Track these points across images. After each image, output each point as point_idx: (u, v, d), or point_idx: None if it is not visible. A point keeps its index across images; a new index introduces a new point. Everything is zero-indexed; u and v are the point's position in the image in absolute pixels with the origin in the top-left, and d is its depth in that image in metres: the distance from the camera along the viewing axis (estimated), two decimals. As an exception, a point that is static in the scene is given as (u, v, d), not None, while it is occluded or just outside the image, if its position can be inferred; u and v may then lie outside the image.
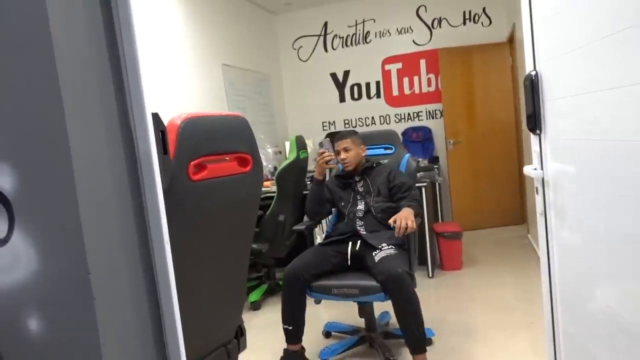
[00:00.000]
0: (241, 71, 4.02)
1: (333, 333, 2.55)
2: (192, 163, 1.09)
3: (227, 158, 1.21)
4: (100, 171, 0.63)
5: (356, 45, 4.71)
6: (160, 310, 0.68)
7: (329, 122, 4.87)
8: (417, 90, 4.62)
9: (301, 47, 4.86)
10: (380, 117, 4.76)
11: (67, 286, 0.60)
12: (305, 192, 2.90)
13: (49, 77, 0.57)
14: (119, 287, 0.64)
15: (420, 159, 3.86)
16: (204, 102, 3.47)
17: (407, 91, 4.67)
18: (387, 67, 4.69)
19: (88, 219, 0.60)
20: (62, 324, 0.61)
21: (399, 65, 4.65)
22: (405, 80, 4.65)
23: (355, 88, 4.78)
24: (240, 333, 1.47)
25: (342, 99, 4.83)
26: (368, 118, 4.77)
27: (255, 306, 3.03)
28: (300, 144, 3.01)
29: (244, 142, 1.26)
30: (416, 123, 4.64)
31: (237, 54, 3.99)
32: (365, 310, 2.23)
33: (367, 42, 4.68)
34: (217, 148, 1.15)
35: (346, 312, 2.65)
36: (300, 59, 4.89)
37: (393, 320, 2.23)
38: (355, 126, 4.79)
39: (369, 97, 4.75)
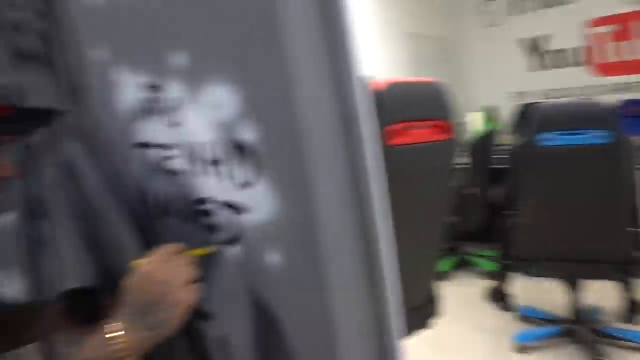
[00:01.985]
0: (424, 39, 3.93)
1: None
2: (392, 127, 1.11)
3: (425, 125, 1.21)
4: (323, 129, 0.68)
5: (552, 7, 4.19)
6: (376, 258, 0.72)
7: (519, 93, 4.47)
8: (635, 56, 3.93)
9: (488, 10, 4.52)
10: (582, 87, 4.21)
11: (299, 227, 0.68)
12: (495, 166, 2.76)
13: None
14: (340, 232, 0.69)
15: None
16: (389, 73, 3.49)
17: (623, 57, 4.00)
18: (593, 30, 4.10)
19: (315, 171, 0.65)
20: (295, 258, 0.69)
21: (610, 28, 4.02)
22: (621, 45, 4.00)
23: (550, 55, 4.28)
24: (431, 300, 1.48)
25: (534, 67, 4.38)
26: (566, 89, 4.25)
27: (443, 277, 3.03)
28: (490, 115, 2.87)
29: (442, 109, 1.24)
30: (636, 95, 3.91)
31: (421, 20, 3.90)
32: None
33: (566, 3, 4.13)
34: (416, 114, 1.15)
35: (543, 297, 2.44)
36: (487, 24, 4.56)
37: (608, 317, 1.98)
38: (550, 98, 4.32)
39: (567, 65, 4.22)
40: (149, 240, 0.97)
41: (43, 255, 0.97)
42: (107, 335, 0.67)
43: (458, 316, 2.32)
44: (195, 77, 0.75)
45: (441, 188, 1.34)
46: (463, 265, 3.08)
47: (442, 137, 1.23)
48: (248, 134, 0.70)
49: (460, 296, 2.60)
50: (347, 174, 0.70)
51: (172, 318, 0.71)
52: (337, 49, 0.67)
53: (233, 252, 0.77)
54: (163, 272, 0.71)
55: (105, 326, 0.69)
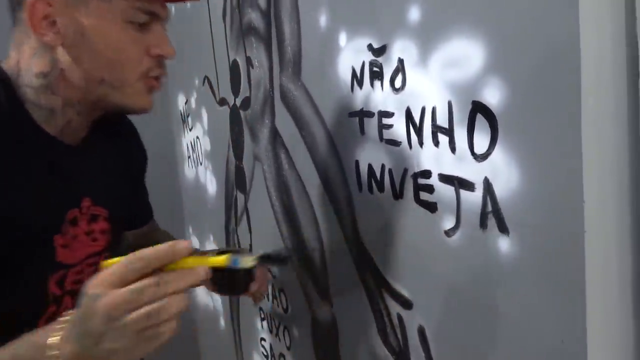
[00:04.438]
0: None
1: None
2: None
3: None
4: (602, 86, 0.52)
5: None
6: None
7: None
8: None
9: None
10: None
11: (554, 213, 0.55)
12: None
13: None
14: (616, 220, 0.54)
15: None
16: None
17: None
18: None
19: (589, 139, 0.51)
20: (535, 248, 0.56)
21: None
22: None
23: None
24: None
25: None
26: None
27: None
28: None
29: None
30: None
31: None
32: None
33: None
34: None
35: None
36: None
37: None
38: None
39: None
40: (340, 215, 0.93)
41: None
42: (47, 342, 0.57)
43: None
44: (427, 33, 0.66)
45: None
46: None
47: None
48: (491, 97, 0.59)
49: None
50: (626, 160, 0.54)
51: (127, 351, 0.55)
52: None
53: (452, 235, 0.68)
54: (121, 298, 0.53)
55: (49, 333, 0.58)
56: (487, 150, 0.60)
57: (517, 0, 0.54)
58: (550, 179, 0.55)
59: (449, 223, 0.68)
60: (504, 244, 0.60)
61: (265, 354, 1.42)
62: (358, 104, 0.82)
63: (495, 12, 0.57)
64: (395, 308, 0.82)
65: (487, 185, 0.61)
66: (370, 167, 0.82)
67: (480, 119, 0.61)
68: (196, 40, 1.57)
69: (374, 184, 0.82)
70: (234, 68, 1.30)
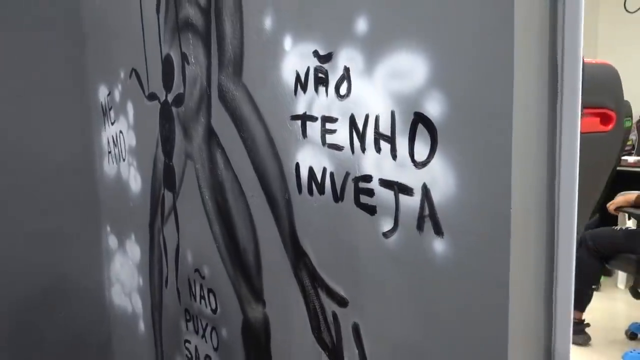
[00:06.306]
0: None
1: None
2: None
3: (588, 113, 1.08)
4: (529, 109, 0.59)
5: None
6: (558, 261, 0.64)
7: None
8: None
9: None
10: None
11: (484, 218, 0.60)
12: (621, 168, 2.49)
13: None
14: (528, 227, 0.61)
15: None
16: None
17: None
18: None
19: (518, 151, 0.57)
20: (467, 248, 0.62)
21: None
22: None
23: None
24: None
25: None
26: None
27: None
28: (624, 111, 2.56)
29: (610, 96, 1.09)
30: None
31: None
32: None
33: None
34: (584, 100, 1.02)
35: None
36: (627, 10, 4.09)
37: None
38: None
39: None
40: (278, 216, 0.95)
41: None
42: None
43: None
44: (374, 44, 0.70)
45: (596, 184, 1.20)
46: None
47: (606, 127, 1.09)
48: (432, 109, 0.63)
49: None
50: (546, 164, 0.62)
51: None
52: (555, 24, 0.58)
53: (390, 237, 0.72)
54: None
55: None
56: (427, 159, 0.65)
57: (459, 21, 0.59)
58: (483, 187, 0.60)
59: (387, 225, 0.72)
60: (439, 245, 0.65)
61: (189, 356, 1.39)
62: (301, 108, 0.84)
63: (439, 31, 0.61)
64: (330, 306, 0.85)
65: (425, 191, 0.66)
66: (311, 169, 0.84)
67: (421, 129, 0.65)
68: (123, 32, 1.50)
69: (314, 187, 0.85)
70: (166, 63, 1.27)
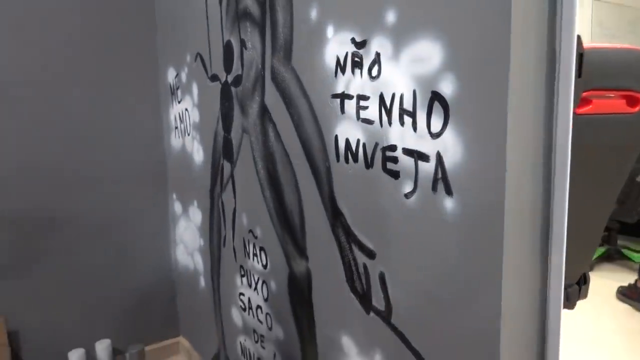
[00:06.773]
0: (615, 7, 3.50)
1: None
2: (584, 95, 1.07)
3: (613, 95, 1.14)
4: (524, 87, 0.70)
5: None
6: (551, 226, 0.75)
7: None
8: None
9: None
10: None
11: (485, 180, 0.73)
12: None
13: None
14: (526, 190, 0.72)
15: None
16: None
17: None
18: None
19: (512, 125, 0.69)
20: (471, 208, 0.74)
21: None
22: None
23: None
24: (583, 281, 1.43)
25: None
26: None
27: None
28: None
29: (636, 80, 1.15)
30: None
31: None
32: None
33: None
34: (607, 82, 1.09)
35: None
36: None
37: None
38: None
39: None
40: (319, 182, 1.10)
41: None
42: None
43: (592, 309, 2.18)
44: (400, 33, 0.82)
45: (620, 167, 1.25)
46: (612, 258, 2.84)
47: (633, 109, 1.14)
48: (445, 87, 0.76)
49: (602, 288, 2.43)
50: (541, 143, 0.73)
51: None
52: (554, 11, 0.68)
53: (410, 197, 0.85)
54: None
55: None
56: (440, 130, 0.78)
57: (468, 15, 0.71)
58: (484, 154, 0.72)
59: (408, 187, 0.85)
60: (449, 203, 0.78)
61: (243, 307, 1.59)
62: (340, 88, 0.98)
63: (452, 23, 0.73)
64: (361, 258, 1.00)
65: (439, 158, 0.79)
66: (347, 141, 0.99)
67: (436, 105, 0.78)
68: (190, 21, 1.69)
69: (349, 156, 0.99)
70: (227, 48, 1.44)
